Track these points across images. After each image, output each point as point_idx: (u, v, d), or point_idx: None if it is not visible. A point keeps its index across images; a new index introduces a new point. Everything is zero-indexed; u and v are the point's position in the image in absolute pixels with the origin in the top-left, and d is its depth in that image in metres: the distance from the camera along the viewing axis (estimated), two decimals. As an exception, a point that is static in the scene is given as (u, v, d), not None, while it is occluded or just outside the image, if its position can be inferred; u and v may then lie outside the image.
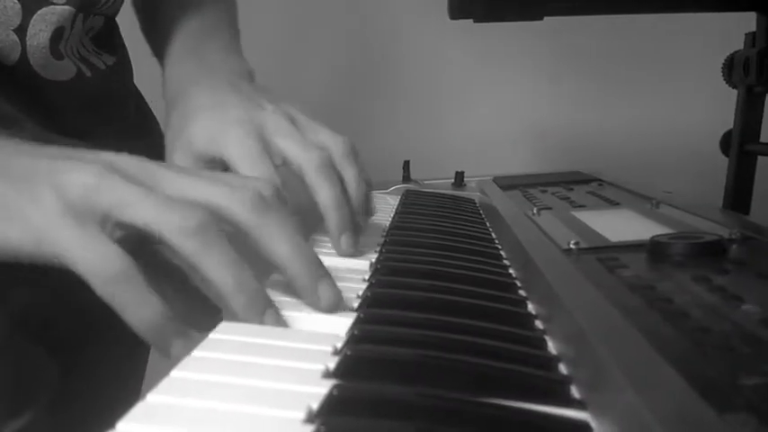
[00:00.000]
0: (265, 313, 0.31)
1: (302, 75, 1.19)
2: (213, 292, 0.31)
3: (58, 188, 0.29)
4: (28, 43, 0.44)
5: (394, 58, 1.20)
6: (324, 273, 0.33)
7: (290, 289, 0.34)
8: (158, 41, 0.57)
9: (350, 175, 0.43)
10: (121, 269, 0.28)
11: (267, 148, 0.43)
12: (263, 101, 0.47)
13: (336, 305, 0.33)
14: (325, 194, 0.41)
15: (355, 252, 0.42)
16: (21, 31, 0.43)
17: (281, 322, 0.31)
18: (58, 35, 0.45)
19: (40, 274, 0.46)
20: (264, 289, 0.32)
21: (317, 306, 0.33)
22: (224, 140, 0.44)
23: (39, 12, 0.44)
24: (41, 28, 0.44)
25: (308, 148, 0.42)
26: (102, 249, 0.28)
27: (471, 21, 0.68)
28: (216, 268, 0.29)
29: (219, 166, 0.45)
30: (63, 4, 0.45)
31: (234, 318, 0.31)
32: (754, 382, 0.22)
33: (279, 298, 0.34)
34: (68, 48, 0.47)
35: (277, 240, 0.32)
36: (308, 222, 0.44)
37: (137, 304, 0.28)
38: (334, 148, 0.44)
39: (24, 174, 0.30)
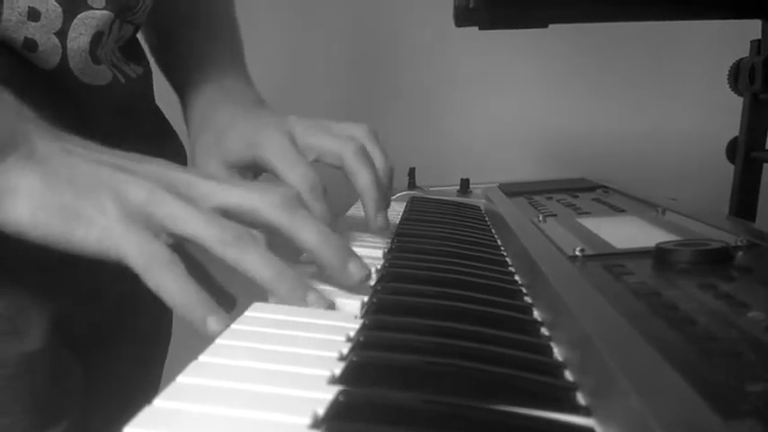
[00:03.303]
0: (308, 295, 0.35)
1: (306, 81, 1.19)
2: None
3: (118, 200, 0.34)
4: (68, 47, 0.44)
5: (399, 65, 1.20)
6: (351, 253, 0.38)
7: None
8: (177, 71, 0.61)
9: (379, 159, 0.48)
10: (170, 261, 0.33)
11: (299, 149, 0.48)
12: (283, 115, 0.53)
13: (366, 279, 0.38)
14: (364, 178, 0.44)
15: (387, 228, 0.46)
16: (62, 34, 0.44)
17: (323, 301, 0.35)
18: (97, 40, 0.46)
19: (67, 282, 0.46)
20: (301, 275, 0.36)
21: (349, 282, 0.37)
22: (260, 144, 0.49)
23: (79, 15, 0.44)
24: (82, 32, 0.44)
25: (342, 140, 0.46)
26: (153, 247, 0.33)
27: (477, 28, 0.68)
28: (254, 267, 0.34)
29: (251, 172, 0.51)
30: (102, 9, 0.45)
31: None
32: (760, 389, 0.22)
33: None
34: (104, 54, 0.48)
35: (306, 233, 0.37)
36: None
37: (179, 290, 0.33)
38: (361, 136, 0.48)
39: (88, 182, 0.35)
